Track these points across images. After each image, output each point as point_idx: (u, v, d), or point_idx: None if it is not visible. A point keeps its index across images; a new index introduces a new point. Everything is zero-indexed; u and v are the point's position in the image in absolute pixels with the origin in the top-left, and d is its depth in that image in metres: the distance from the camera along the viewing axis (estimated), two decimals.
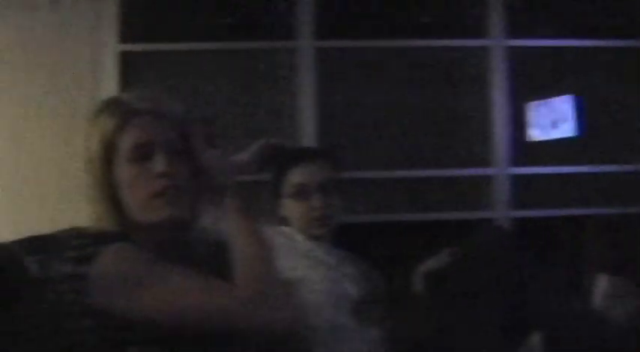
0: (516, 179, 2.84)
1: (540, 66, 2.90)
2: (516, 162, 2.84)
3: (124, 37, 2.76)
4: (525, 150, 2.86)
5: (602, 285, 2.34)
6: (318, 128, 2.74)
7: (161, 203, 1.37)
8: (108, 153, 1.39)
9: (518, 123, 2.85)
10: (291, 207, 2.00)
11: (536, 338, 1.80)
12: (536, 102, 2.84)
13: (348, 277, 1.92)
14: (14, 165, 2.70)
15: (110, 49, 2.74)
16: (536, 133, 2.84)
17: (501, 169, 2.82)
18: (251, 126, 2.74)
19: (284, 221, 2.03)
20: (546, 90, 2.85)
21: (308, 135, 2.72)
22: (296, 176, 1.99)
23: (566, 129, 2.79)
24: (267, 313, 1.26)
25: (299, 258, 1.91)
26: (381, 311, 1.92)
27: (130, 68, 2.75)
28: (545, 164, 2.87)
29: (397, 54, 2.82)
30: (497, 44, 2.84)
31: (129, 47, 2.76)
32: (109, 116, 1.40)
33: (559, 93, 2.82)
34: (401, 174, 2.80)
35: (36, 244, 1.62)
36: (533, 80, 2.89)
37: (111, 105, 1.43)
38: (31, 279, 1.49)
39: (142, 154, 1.38)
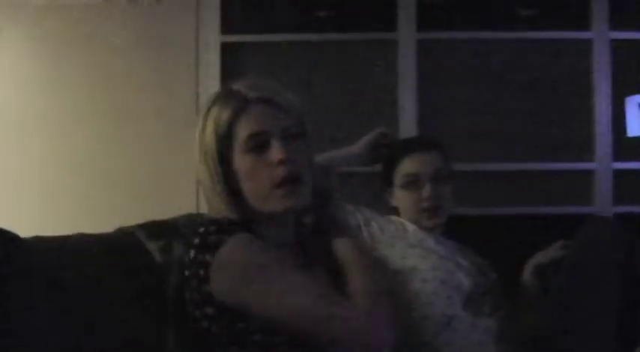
0: (618, 174, 2.77)
1: None
2: (617, 156, 2.78)
3: (226, 29, 2.78)
4: (626, 145, 2.79)
5: None
6: (418, 120, 2.73)
7: (284, 193, 1.36)
8: (224, 145, 1.38)
9: (619, 118, 2.78)
10: (401, 197, 2.00)
11: None
12: (636, 96, 2.79)
13: (460, 268, 1.90)
14: (116, 157, 2.75)
15: (212, 40, 2.77)
16: (636, 127, 2.78)
17: (604, 164, 2.76)
18: (350, 119, 2.74)
19: (394, 211, 2.03)
20: None
21: (408, 127, 2.71)
22: (407, 166, 1.98)
23: None
24: (374, 332, 1.24)
25: (410, 248, 1.90)
26: (493, 303, 1.90)
27: (231, 59, 2.77)
28: None
29: (498, 46, 2.79)
30: (601, 37, 2.77)
31: (230, 38, 2.78)
32: (223, 107, 1.39)
33: None
34: (497, 167, 2.78)
35: (156, 229, 1.61)
36: (635, 73, 2.82)
37: (224, 96, 1.42)
38: (155, 264, 1.51)
39: (259, 143, 1.37)
